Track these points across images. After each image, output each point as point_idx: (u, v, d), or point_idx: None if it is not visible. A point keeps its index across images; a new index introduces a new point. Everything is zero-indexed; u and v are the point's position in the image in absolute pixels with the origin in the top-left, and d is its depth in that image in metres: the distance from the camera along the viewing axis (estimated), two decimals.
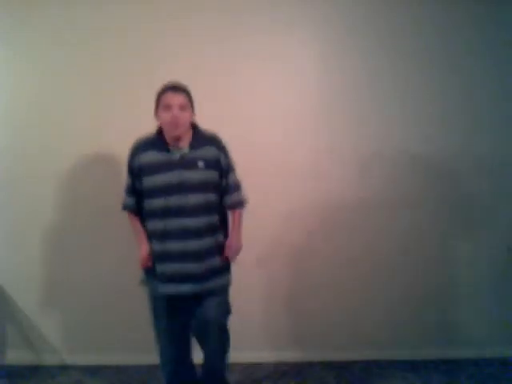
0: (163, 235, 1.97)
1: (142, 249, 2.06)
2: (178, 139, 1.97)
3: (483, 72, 2.65)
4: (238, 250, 2.13)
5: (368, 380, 2.53)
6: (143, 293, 2.53)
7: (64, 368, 2.65)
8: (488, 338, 2.77)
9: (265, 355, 2.70)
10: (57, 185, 2.61)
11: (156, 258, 2.02)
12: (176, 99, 1.93)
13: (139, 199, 2.05)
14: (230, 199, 2.10)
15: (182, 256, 1.96)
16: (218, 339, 2.09)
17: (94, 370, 2.62)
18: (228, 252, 2.08)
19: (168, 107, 1.93)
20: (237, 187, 2.13)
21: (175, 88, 1.96)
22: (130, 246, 2.59)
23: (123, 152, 2.57)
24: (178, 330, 2.11)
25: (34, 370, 2.62)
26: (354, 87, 2.63)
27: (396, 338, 2.76)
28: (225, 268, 2.09)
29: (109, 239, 2.65)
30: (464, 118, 2.66)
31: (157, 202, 1.96)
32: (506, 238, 2.72)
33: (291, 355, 2.73)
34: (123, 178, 2.52)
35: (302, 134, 2.64)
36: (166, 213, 1.95)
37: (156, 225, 1.99)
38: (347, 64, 2.62)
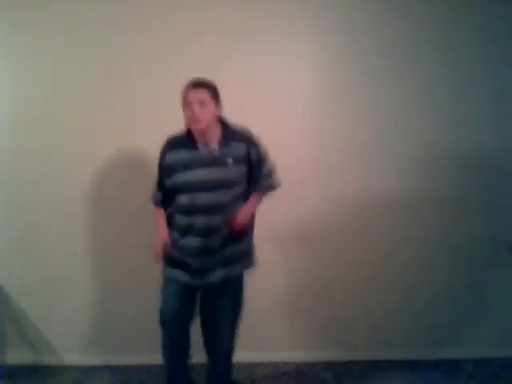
0: (188, 231, 2.03)
1: (162, 232, 2.10)
2: (204, 135, 2.00)
3: (482, 72, 2.65)
4: (242, 222, 2.05)
5: (368, 380, 2.53)
6: (143, 293, 2.54)
7: (64, 368, 2.65)
8: (488, 338, 2.77)
9: (265, 355, 2.70)
10: (56, 185, 2.60)
11: (178, 251, 2.08)
12: (195, 95, 1.95)
13: (167, 195, 2.10)
14: (259, 186, 2.14)
15: (205, 251, 2.02)
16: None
17: (93, 370, 2.62)
18: (233, 222, 2.03)
19: (189, 104, 1.96)
20: (269, 174, 2.17)
21: (196, 84, 1.99)
22: (130, 246, 2.60)
23: (124, 150, 2.59)
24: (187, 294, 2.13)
25: (34, 369, 2.62)
26: (351, 87, 2.62)
27: (396, 338, 2.76)
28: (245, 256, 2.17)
29: (109, 239, 2.64)
30: (463, 117, 2.66)
31: (185, 199, 2.01)
32: (506, 238, 2.72)
33: (291, 355, 2.73)
34: (125, 176, 2.55)
35: (302, 134, 2.64)
36: (194, 210, 2.00)
37: (183, 221, 2.04)
38: (344, 64, 2.62)
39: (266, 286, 2.68)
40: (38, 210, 2.61)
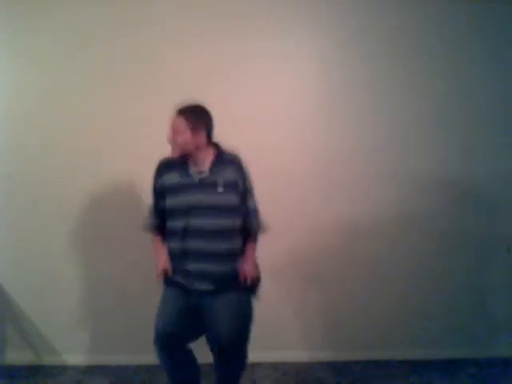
0: (182, 255, 1.97)
1: (162, 259, 2.02)
2: (193, 159, 1.97)
3: (484, 73, 2.65)
4: (252, 275, 2.05)
5: (368, 380, 2.53)
6: (143, 294, 2.53)
7: (64, 368, 2.65)
8: (488, 338, 2.77)
9: (265, 355, 2.70)
10: (56, 185, 2.61)
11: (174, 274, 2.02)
12: (172, 123, 1.96)
13: (163, 219, 2.04)
14: (251, 224, 2.07)
15: (200, 276, 1.96)
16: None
17: (93, 370, 2.62)
18: (243, 277, 2.02)
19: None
20: (256, 212, 2.10)
21: (176, 111, 1.97)
22: (131, 247, 2.60)
23: (123, 152, 2.60)
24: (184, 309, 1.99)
25: (34, 369, 2.62)
26: (353, 87, 2.63)
27: (396, 338, 2.76)
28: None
29: (110, 240, 2.64)
30: (466, 120, 2.67)
31: (177, 223, 1.96)
32: (506, 238, 2.72)
33: (291, 355, 2.73)
34: (123, 176, 2.54)
35: (301, 134, 2.64)
36: (186, 234, 1.95)
37: (176, 245, 1.99)
38: (347, 64, 2.63)
39: (264, 286, 2.68)
40: (38, 210, 2.62)
